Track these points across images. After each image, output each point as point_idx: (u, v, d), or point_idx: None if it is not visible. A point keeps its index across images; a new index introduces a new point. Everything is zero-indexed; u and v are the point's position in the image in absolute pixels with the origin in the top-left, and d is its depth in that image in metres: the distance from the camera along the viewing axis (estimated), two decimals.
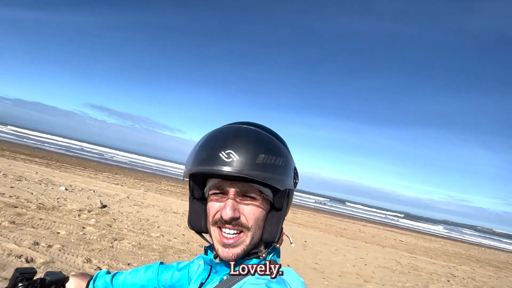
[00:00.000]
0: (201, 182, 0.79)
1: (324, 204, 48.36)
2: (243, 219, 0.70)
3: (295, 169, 0.76)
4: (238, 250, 0.71)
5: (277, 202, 0.74)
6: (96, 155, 34.51)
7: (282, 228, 0.75)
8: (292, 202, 0.82)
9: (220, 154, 0.67)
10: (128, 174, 20.02)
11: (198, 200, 0.81)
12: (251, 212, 0.71)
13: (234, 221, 0.70)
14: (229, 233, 0.71)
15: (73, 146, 45.17)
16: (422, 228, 39.49)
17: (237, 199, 0.71)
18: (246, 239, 0.71)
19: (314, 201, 47.80)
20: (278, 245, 0.76)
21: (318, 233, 12.36)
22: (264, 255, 0.74)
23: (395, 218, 55.43)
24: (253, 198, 0.72)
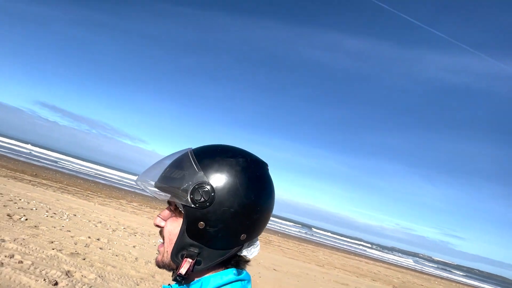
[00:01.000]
0: None
1: (304, 232, 48.00)
2: (164, 230, 0.71)
3: (200, 185, 0.66)
4: (158, 257, 0.72)
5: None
6: (49, 162, 30.60)
7: (182, 253, 0.68)
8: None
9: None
10: (100, 190, 17.75)
11: None
12: (166, 225, 0.71)
13: (160, 229, 0.72)
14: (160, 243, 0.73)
15: (19, 148, 39.81)
16: (394, 260, 40.70)
17: (166, 211, 0.73)
18: (163, 251, 0.71)
19: (282, 225, 47.54)
20: (179, 270, 0.67)
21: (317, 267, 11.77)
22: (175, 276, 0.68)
23: (364, 248, 57.03)
24: (171, 212, 0.72)
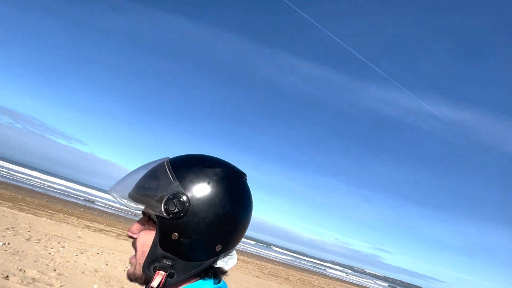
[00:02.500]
0: None
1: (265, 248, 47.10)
2: (137, 241, 0.68)
3: (175, 195, 0.64)
4: (129, 269, 0.69)
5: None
6: None
7: (155, 266, 0.65)
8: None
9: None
10: (48, 200, 14.52)
11: None
12: (139, 236, 0.68)
13: (132, 240, 0.69)
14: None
15: None
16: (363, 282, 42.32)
17: (140, 222, 0.70)
18: (135, 263, 0.67)
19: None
20: (151, 284, 0.64)
21: None
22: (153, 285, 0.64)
23: (323, 267, 58.36)
24: (145, 222, 0.69)
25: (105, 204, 33.37)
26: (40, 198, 18.05)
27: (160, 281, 0.63)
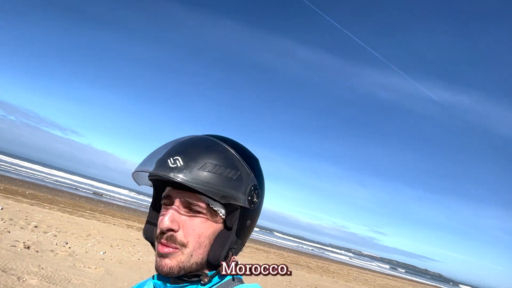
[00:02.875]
0: (162, 190, 0.70)
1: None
2: (179, 235, 0.63)
3: (255, 187, 0.66)
4: (172, 262, 0.63)
5: (229, 220, 0.66)
6: None
7: (229, 251, 0.66)
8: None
9: (168, 160, 0.63)
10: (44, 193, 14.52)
11: (158, 210, 0.71)
12: (191, 227, 0.64)
13: (170, 233, 0.63)
14: (165, 246, 0.64)
15: None
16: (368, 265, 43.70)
17: (181, 211, 0.64)
18: (182, 256, 0.63)
19: None
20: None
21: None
22: (206, 279, 0.64)
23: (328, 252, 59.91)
24: (198, 212, 0.64)
25: (121, 198, 33.50)
26: (69, 197, 18.07)
27: (232, 267, 0.65)
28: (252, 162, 0.69)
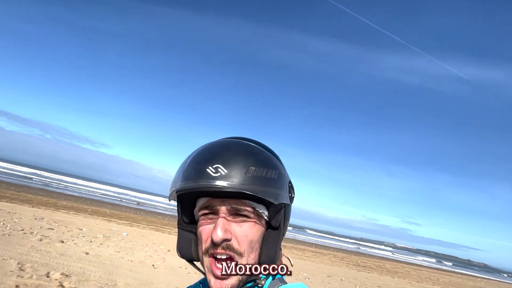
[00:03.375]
0: (191, 203, 0.71)
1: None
2: (234, 243, 0.62)
3: (290, 182, 0.70)
4: (233, 280, 0.62)
5: (274, 220, 0.67)
6: (12, 177, 26.06)
7: (280, 249, 0.68)
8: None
9: (208, 169, 0.61)
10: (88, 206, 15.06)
11: (188, 224, 0.72)
12: (243, 234, 0.63)
13: (225, 243, 0.62)
14: (222, 265, 0.62)
15: None
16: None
17: (228, 218, 0.64)
18: (242, 263, 0.63)
19: None
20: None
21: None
22: (263, 282, 0.65)
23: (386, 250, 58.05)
24: (246, 217, 0.64)
25: (163, 207, 34.40)
26: (127, 210, 18.69)
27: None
28: (280, 159, 0.72)
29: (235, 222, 0.63)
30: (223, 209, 0.63)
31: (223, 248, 0.62)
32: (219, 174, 0.60)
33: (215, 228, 0.61)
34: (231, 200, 0.63)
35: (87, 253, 5.95)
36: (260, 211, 0.65)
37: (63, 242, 6.41)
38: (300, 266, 10.65)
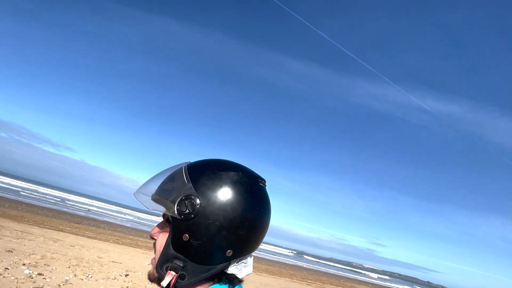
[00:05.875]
0: None
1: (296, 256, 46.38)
2: (156, 243, 0.71)
3: (187, 197, 0.66)
4: (150, 269, 0.70)
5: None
6: None
7: (167, 267, 0.66)
8: None
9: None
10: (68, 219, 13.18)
11: None
12: (158, 236, 0.71)
13: (153, 241, 0.72)
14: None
15: None
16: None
17: (164, 223, 0.72)
18: (154, 263, 0.69)
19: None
20: (161, 282, 0.66)
21: None
22: None
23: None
24: (163, 223, 0.72)
25: (130, 218, 31.80)
26: (109, 227, 16.74)
27: (170, 281, 0.65)
28: (200, 175, 0.68)
29: (159, 226, 0.74)
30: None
31: (153, 245, 0.72)
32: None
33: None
34: None
35: None
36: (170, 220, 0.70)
37: None
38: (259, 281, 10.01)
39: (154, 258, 0.69)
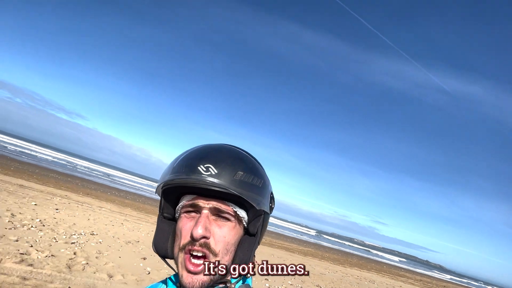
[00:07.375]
0: (174, 199, 0.73)
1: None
2: (211, 242, 0.66)
3: (271, 194, 0.75)
4: (204, 278, 0.65)
5: (252, 226, 0.71)
6: None
7: (254, 256, 0.70)
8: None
9: (199, 167, 0.65)
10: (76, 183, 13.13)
11: (169, 220, 0.75)
12: (222, 235, 0.67)
13: (203, 241, 0.66)
14: (197, 261, 0.66)
15: None
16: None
17: (210, 218, 0.67)
18: (216, 262, 0.66)
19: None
20: (249, 275, 0.68)
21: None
22: (233, 285, 0.67)
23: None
24: (226, 219, 0.68)
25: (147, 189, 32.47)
26: (135, 197, 16.79)
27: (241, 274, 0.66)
28: (265, 171, 0.75)
29: (216, 222, 0.67)
30: (206, 208, 0.66)
31: (200, 245, 0.64)
32: (209, 173, 0.64)
33: (197, 224, 0.64)
34: (215, 201, 0.67)
35: None
36: (241, 216, 0.69)
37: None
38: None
39: (209, 258, 0.64)
